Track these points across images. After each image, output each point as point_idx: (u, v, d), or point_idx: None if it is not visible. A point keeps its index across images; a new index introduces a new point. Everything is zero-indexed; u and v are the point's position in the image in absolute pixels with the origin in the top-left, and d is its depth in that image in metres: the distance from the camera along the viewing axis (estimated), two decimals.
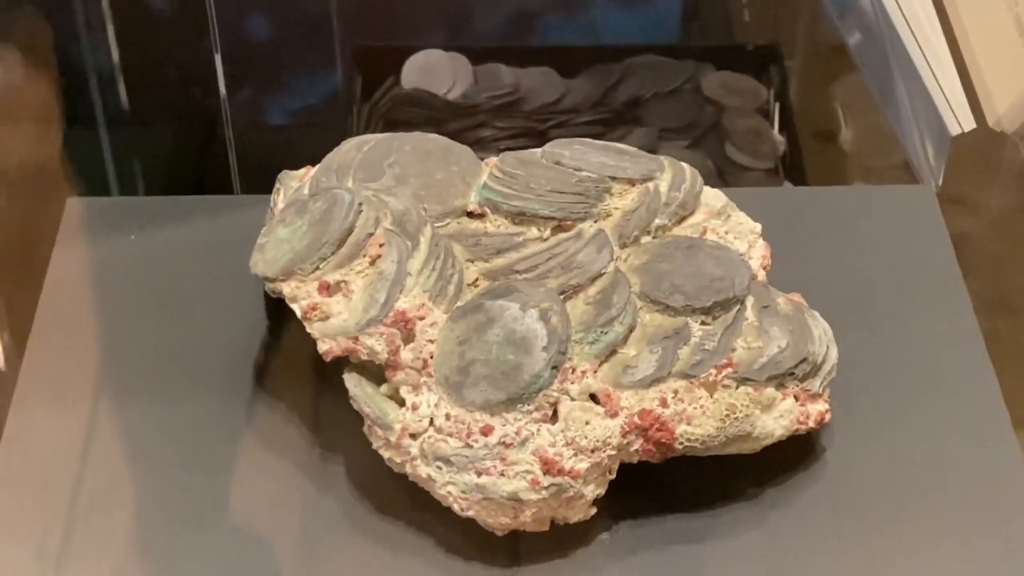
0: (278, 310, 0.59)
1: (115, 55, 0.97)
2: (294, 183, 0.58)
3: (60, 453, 0.56)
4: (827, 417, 0.54)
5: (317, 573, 0.52)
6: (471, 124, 0.95)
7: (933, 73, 0.70)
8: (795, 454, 0.55)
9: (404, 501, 0.54)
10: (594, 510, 0.53)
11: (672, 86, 0.97)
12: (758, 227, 0.57)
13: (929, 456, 0.56)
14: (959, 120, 0.69)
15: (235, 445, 0.56)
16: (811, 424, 0.54)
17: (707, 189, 0.58)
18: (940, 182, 0.71)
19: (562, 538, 0.53)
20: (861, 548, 0.53)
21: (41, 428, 0.56)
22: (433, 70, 0.97)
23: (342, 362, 0.54)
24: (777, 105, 0.96)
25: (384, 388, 0.53)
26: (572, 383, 0.51)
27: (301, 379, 0.58)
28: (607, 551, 0.53)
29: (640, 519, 0.54)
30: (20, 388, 0.58)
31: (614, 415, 0.51)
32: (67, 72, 0.95)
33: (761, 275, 0.56)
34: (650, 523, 0.54)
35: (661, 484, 0.54)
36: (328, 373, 0.56)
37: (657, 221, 0.56)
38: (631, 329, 0.53)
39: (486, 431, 0.51)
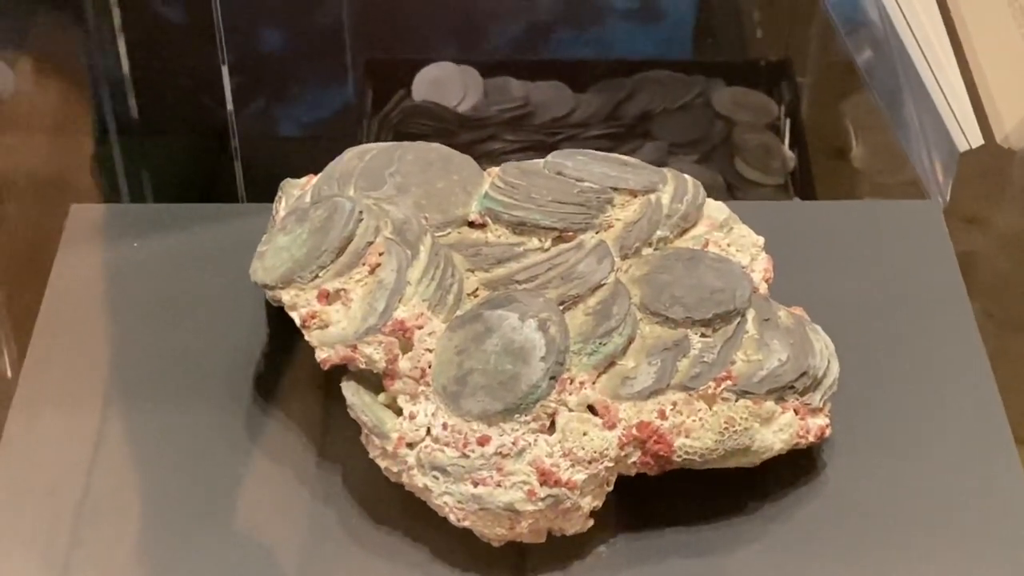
0: (279, 318, 0.59)
1: (126, 65, 0.97)
2: (296, 191, 0.58)
3: (58, 459, 0.55)
4: (828, 432, 0.54)
5: None
6: (481, 137, 0.95)
7: (942, 90, 0.70)
8: (796, 469, 0.55)
9: (401, 511, 0.53)
10: (591, 522, 0.52)
11: (682, 101, 0.97)
12: (761, 240, 0.57)
13: (931, 474, 0.55)
14: (967, 137, 0.69)
15: (234, 454, 0.56)
16: (811, 439, 0.54)
17: (710, 201, 0.58)
18: (948, 199, 0.71)
19: (559, 550, 0.52)
20: (861, 565, 0.52)
21: (40, 434, 0.56)
22: (444, 83, 0.98)
23: (341, 371, 0.54)
24: (788, 121, 0.95)
25: (382, 397, 0.53)
26: (570, 394, 0.51)
27: (300, 388, 0.58)
28: (604, 564, 0.53)
29: (638, 532, 0.53)
30: (19, 393, 0.58)
31: (612, 427, 0.51)
32: (79, 82, 0.96)
33: (763, 288, 0.56)
34: (648, 536, 0.53)
35: (660, 497, 0.54)
36: (327, 382, 0.56)
37: (659, 233, 0.56)
38: (630, 340, 0.52)
39: (483, 441, 0.51)
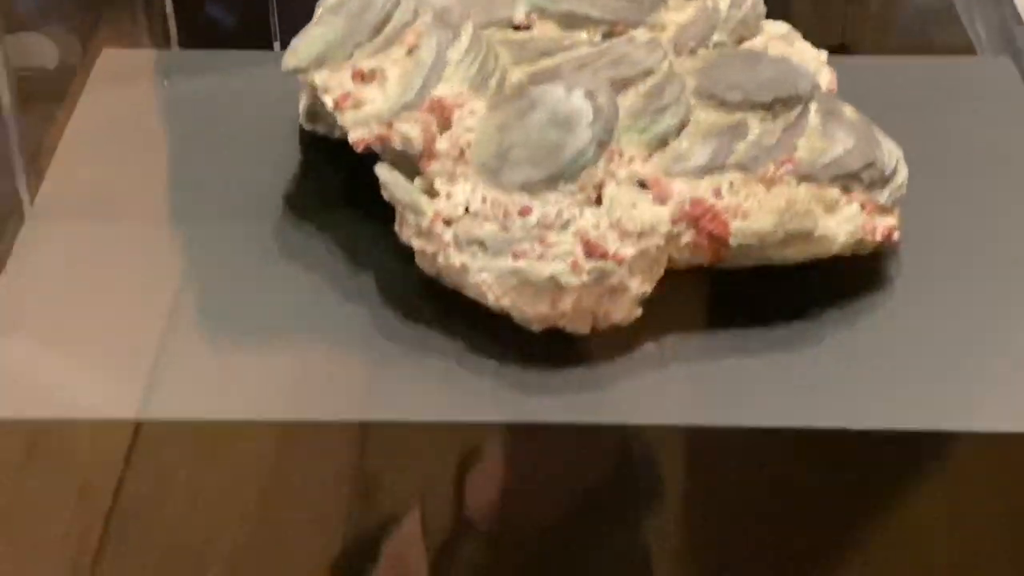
0: (312, 148, 0.56)
1: None
2: None
3: (68, 274, 0.52)
4: (895, 234, 0.50)
5: (348, 376, 0.48)
6: None
7: None
8: (862, 278, 0.51)
9: (435, 308, 0.50)
10: (639, 311, 0.48)
11: None
12: (823, 54, 0.54)
13: (998, 300, 0.51)
14: None
15: (264, 262, 0.52)
16: (878, 237, 0.50)
17: (769, 20, 0.55)
18: None
19: (605, 343, 0.48)
20: (917, 379, 0.48)
21: (52, 249, 0.53)
22: None
23: (373, 163, 0.50)
24: None
25: (417, 182, 0.49)
26: (619, 167, 0.48)
27: (331, 206, 0.54)
28: (652, 360, 0.48)
29: (691, 331, 0.49)
30: (35, 210, 0.55)
31: (663, 201, 0.47)
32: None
33: None
34: (701, 336, 0.49)
35: (716, 298, 0.50)
36: (358, 201, 0.52)
37: (716, 37, 0.53)
38: (683, 124, 0.49)
39: (525, 212, 0.47)
